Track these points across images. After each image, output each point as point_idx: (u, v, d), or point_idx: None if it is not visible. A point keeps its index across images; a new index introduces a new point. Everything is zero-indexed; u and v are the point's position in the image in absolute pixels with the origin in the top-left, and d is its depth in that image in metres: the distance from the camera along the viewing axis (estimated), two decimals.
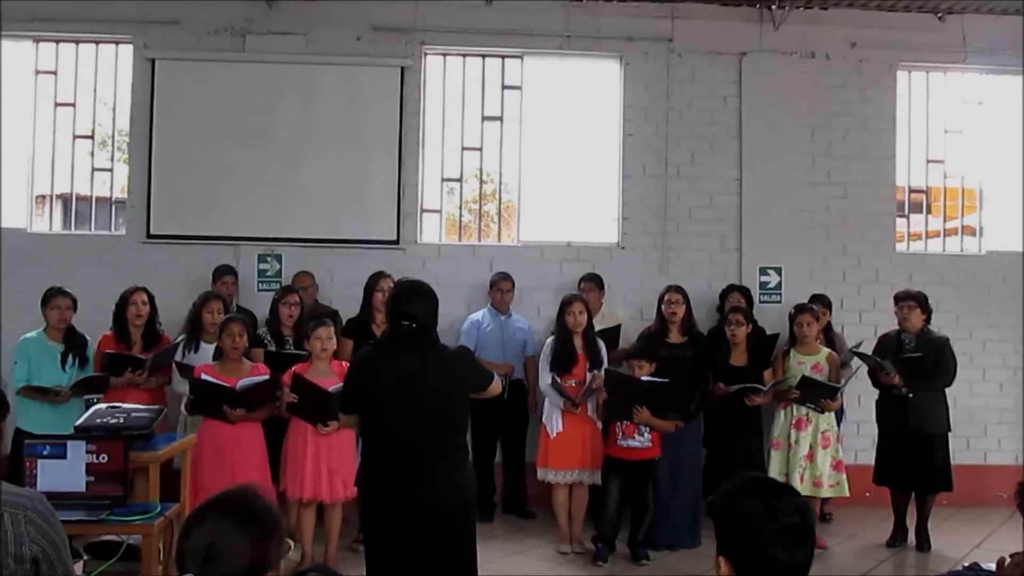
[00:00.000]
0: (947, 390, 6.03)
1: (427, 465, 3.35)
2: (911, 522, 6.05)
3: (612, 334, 6.28)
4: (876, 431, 6.23)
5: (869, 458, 6.33)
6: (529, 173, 7.36)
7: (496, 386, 3.75)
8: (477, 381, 3.62)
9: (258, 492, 1.96)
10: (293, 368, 5.19)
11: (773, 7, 7.19)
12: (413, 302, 3.48)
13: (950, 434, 6.04)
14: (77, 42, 7.19)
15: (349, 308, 6.13)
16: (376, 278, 5.91)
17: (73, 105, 7.20)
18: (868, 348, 6.20)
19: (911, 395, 5.87)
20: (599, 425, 5.71)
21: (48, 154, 7.18)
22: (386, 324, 3.57)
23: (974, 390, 7.09)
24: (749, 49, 7.31)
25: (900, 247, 7.54)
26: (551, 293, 6.81)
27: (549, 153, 7.35)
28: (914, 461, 5.88)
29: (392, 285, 5.74)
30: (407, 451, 3.36)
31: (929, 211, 7.73)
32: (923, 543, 5.95)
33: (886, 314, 6.60)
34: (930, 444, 5.90)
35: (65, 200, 7.33)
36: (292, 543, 1.96)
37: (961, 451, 6.42)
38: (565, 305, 5.74)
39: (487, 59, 7.39)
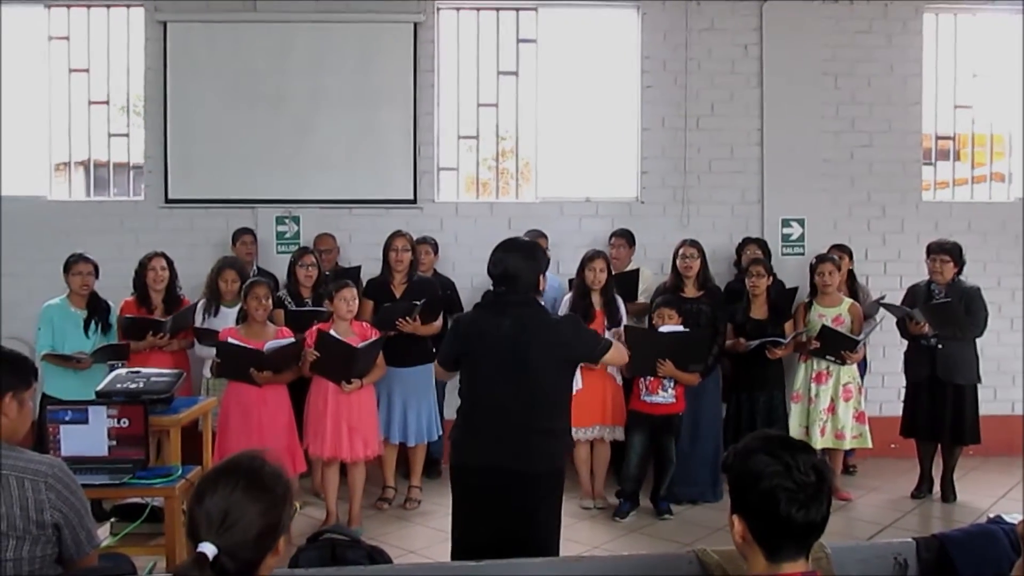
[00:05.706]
0: (976, 340, 5.93)
1: (514, 428, 3.32)
2: (937, 473, 6.01)
3: (630, 279, 6.20)
4: (902, 383, 6.16)
5: (894, 410, 6.29)
6: (546, 128, 7.25)
7: (620, 355, 3.69)
8: (583, 348, 3.51)
9: (266, 458, 1.97)
10: (316, 326, 5.19)
11: None
12: (503, 262, 3.42)
13: (979, 385, 5.95)
14: (88, 6, 7.11)
15: (368, 269, 6.11)
16: (391, 238, 5.84)
17: (87, 71, 7.13)
18: (894, 299, 6.10)
19: (940, 346, 5.79)
20: (619, 382, 5.69)
21: (65, 121, 7.15)
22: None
23: (1002, 339, 6.95)
24: None
25: (926, 196, 7.38)
26: (571, 249, 6.72)
27: (566, 107, 7.22)
28: (943, 413, 5.81)
29: (406, 244, 5.75)
30: (495, 413, 3.36)
31: (957, 158, 7.55)
32: (948, 494, 5.92)
33: (911, 264, 6.50)
34: (959, 396, 5.82)
35: (84, 167, 7.31)
36: (298, 506, 1.99)
37: (988, 401, 6.31)
38: (587, 261, 5.66)
39: (501, 12, 7.24)
